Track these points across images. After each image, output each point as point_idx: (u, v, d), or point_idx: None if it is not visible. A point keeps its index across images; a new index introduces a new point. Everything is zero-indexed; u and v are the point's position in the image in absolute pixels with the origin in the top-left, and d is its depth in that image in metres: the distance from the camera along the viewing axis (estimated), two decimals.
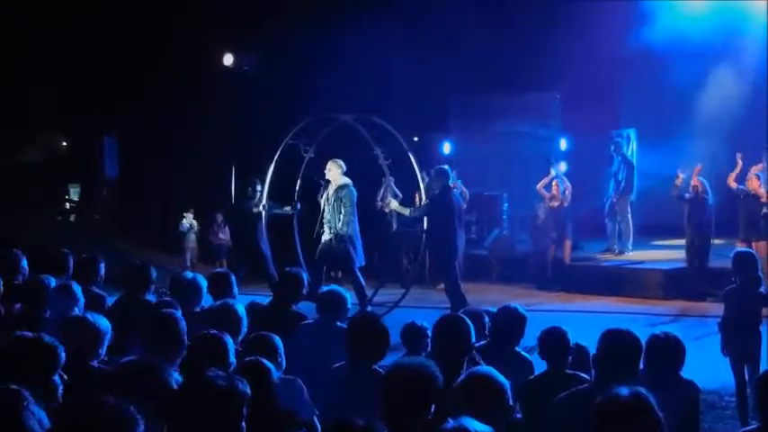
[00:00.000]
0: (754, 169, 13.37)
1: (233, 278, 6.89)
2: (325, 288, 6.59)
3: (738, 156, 13.59)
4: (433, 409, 3.71)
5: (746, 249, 9.92)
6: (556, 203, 14.91)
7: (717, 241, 14.26)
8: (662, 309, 12.56)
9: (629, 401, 3.20)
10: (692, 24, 17.18)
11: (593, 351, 4.44)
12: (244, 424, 3.21)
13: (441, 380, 3.78)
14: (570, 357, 5.23)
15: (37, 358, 3.99)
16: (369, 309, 10.70)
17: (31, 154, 22.88)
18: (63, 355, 4.09)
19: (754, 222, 13.03)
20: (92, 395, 3.03)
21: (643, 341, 4.44)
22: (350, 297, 6.57)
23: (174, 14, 19.84)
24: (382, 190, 14.43)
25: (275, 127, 13.76)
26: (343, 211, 11.50)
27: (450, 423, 3.00)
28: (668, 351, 4.99)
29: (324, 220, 11.75)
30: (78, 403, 2.89)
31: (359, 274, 11.70)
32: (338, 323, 6.09)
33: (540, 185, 15.24)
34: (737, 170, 13.42)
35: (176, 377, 4.27)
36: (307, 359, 5.23)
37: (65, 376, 3.94)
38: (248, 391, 3.26)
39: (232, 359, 4.42)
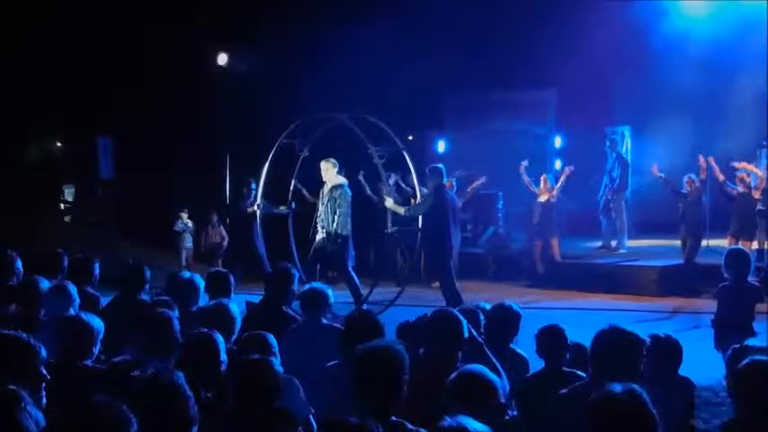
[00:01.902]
0: (748, 167, 13.41)
1: (232, 278, 6.87)
2: (306, 286, 6.48)
3: (700, 158, 13.62)
4: (405, 391, 3.70)
5: (739, 247, 9.93)
6: (543, 198, 14.89)
7: (710, 242, 14.30)
8: (657, 306, 12.58)
9: (623, 398, 3.21)
10: (688, 22, 17.22)
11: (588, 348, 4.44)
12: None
13: (406, 359, 3.76)
14: (567, 355, 5.23)
15: (15, 355, 3.93)
16: (364, 308, 10.66)
17: (25, 154, 22.84)
18: (43, 351, 4.01)
19: (747, 221, 13.06)
20: (85, 394, 3.03)
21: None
22: (332, 293, 6.34)
23: (169, 14, 19.82)
24: (383, 186, 14.42)
25: (270, 126, 13.74)
26: (337, 211, 11.49)
27: (448, 420, 3.00)
28: (668, 352, 5.01)
29: (318, 220, 11.76)
30: (72, 403, 2.87)
31: (353, 273, 11.68)
32: (323, 320, 6.08)
33: (526, 179, 15.16)
34: (703, 173, 13.47)
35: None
36: (295, 358, 5.22)
37: (47, 376, 3.89)
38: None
39: (223, 357, 4.41)
